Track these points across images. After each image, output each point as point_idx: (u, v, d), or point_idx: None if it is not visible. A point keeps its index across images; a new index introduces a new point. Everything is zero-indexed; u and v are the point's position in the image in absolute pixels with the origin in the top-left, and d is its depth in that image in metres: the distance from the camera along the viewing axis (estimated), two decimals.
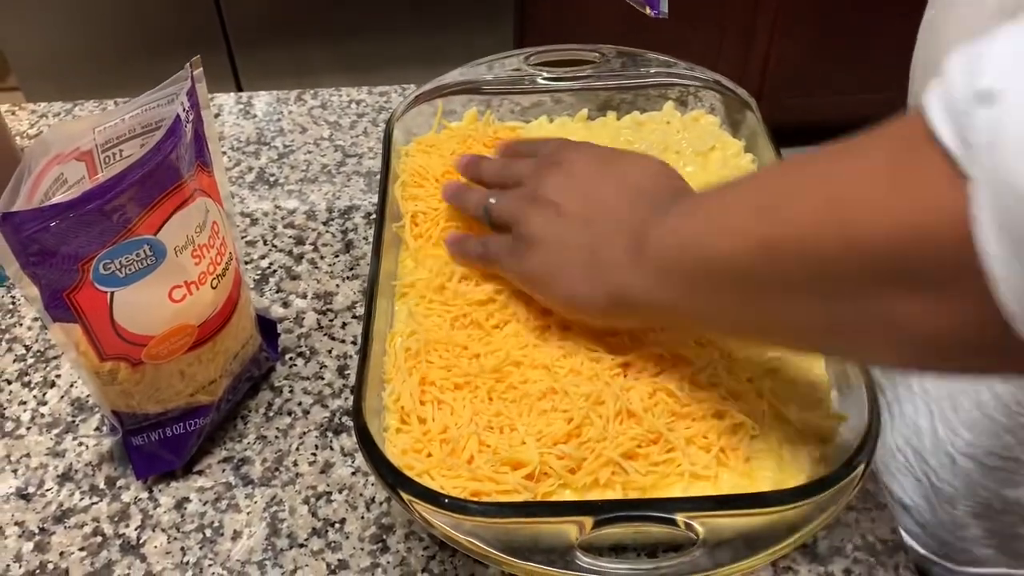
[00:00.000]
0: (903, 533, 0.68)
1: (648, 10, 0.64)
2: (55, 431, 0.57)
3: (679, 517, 0.40)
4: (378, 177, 0.75)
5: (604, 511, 0.41)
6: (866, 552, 0.50)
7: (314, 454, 0.55)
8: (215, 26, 1.59)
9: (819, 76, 1.93)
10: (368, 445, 0.43)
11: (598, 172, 0.50)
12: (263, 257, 0.69)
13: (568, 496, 0.45)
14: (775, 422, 0.48)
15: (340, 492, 0.53)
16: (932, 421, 0.62)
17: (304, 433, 0.56)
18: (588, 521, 0.40)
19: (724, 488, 0.45)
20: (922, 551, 0.67)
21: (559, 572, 0.41)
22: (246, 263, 0.68)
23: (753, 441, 0.47)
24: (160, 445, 0.53)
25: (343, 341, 0.62)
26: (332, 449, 0.55)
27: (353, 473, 0.54)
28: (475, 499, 0.44)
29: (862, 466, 0.41)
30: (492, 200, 0.54)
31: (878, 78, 1.92)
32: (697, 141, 0.64)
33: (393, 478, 0.42)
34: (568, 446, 0.45)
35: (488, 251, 0.54)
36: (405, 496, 0.41)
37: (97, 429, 0.57)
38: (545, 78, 0.68)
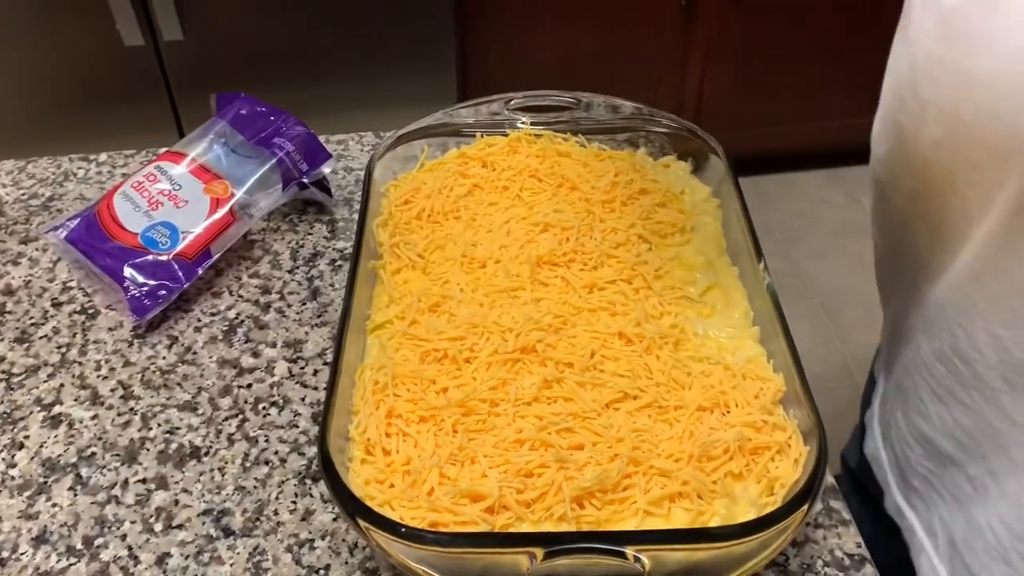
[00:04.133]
0: None
1: None
2: (27, 493, 0.56)
3: (628, 549, 0.42)
4: (340, 224, 0.76)
5: (555, 542, 0.42)
6: (835, 567, 0.52)
7: (294, 502, 0.55)
8: (157, 78, 1.58)
9: (749, 108, 2.00)
10: (330, 473, 0.45)
11: None
12: (230, 308, 0.69)
13: (525, 529, 0.46)
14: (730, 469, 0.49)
15: (323, 539, 0.53)
16: None
17: (283, 482, 0.57)
18: (539, 552, 0.42)
19: (676, 525, 0.47)
20: None
21: None
22: (212, 315, 0.68)
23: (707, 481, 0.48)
24: None
25: (315, 388, 0.62)
26: (312, 496, 0.56)
27: (335, 519, 0.54)
28: (429, 529, 0.45)
29: (804, 507, 0.43)
30: None
31: (808, 108, 2.00)
32: (668, 184, 0.67)
33: (352, 506, 0.44)
34: (527, 481, 0.47)
35: None
36: (362, 523, 0.43)
37: (70, 489, 0.56)
38: (524, 122, 0.71)
